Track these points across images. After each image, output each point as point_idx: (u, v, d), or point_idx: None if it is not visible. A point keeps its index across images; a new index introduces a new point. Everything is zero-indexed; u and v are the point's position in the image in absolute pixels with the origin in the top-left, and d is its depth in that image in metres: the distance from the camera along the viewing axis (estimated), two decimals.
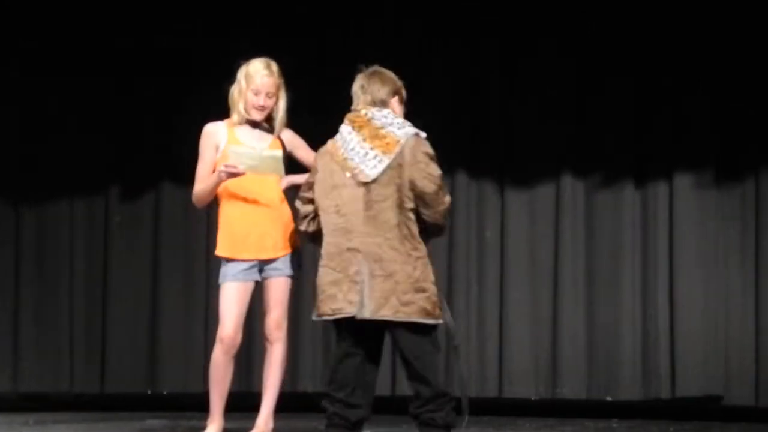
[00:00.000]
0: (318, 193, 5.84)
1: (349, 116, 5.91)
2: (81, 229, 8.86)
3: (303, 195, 5.92)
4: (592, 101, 8.33)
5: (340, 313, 5.72)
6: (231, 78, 6.65)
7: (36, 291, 8.88)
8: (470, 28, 8.49)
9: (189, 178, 8.13)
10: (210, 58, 8.58)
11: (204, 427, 6.43)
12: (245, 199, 6.41)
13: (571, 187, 8.34)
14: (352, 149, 5.80)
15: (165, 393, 8.64)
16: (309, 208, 5.90)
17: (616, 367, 8.23)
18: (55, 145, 8.85)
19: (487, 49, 8.47)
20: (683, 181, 8.18)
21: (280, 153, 6.44)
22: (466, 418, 5.93)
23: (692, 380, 8.12)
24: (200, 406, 7.41)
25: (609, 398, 8.21)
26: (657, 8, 8.28)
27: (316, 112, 8.20)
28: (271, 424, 6.45)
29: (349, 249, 5.77)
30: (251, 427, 6.43)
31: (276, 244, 6.42)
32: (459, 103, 8.30)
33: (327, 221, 5.79)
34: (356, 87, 5.98)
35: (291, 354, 7.13)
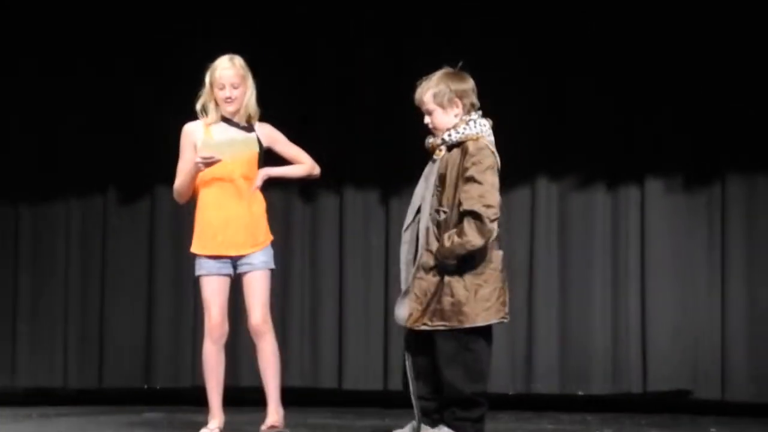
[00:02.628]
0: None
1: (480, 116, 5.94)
2: (78, 229, 8.86)
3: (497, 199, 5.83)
4: (566, 112, 8.38)
5: (506, 317, 5.95)
6: None
7: (33, 290, 8.87)
8: (453, 33, 8.44)
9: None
10: (203, 61, 8.15)
11: (201, 421, 6.52)
12: (216, 184, 6.41)
13: (546, 190, 8.41)
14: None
15: (158, 387, 8.69)
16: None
17: (588, 363, 8.29)
18: (53, 147, 8.83)
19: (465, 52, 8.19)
20: (654, 186, 8.27)
21: (252, 135, 6.43)
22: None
23: (662, 375, 8.18)
24: (192, 399, 7.67)
25: (581, 392, 8.27)
26: (628, 16, 8.28)
27: (314, 112, 8.25)
28: (281, 411, 6.49)
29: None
30: (262, 420, 6.44)
31: (246, 242, 6.41)
32: None
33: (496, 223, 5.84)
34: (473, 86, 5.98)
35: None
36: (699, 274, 8.26)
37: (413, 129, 6.27)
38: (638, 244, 8.28)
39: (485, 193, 5.77)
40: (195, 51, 8.25)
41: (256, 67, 7.50)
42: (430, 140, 6.00)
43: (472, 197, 5.77)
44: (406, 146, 7.69)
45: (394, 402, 7.35)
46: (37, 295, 8.84)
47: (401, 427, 6.02)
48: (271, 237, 6.52)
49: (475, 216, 5.74)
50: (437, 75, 5.99)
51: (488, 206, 5.75)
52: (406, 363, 5.95)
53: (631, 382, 8.23)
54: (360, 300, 8.60)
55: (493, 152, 5.88)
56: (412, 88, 6.08)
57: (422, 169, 6.11)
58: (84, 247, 8.84)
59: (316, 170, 6.67)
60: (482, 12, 8.46)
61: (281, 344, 6.80)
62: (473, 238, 5.74)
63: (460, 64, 6.00)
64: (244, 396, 7.25)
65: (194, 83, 7.96)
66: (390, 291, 8.26)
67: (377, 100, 8.60)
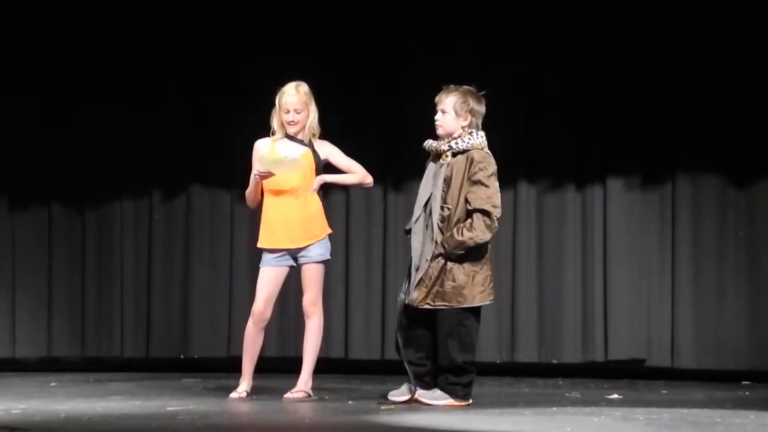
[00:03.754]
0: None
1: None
2: (129, 225, 9.21)
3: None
4: (543, 123, 8.78)
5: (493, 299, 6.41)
6: (250, 90, 7.13)
7: (96, 276, 9.22)
8: (453, 34, 8.68)
9: (214, 182, 9.00)
10: (233, 73, 8.79)
11: (232, 385, 6.95)
12: (277, 194, 6.77)
13: (526, 191, 8.83)
14: None
15: (196, 357, 9.01)
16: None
17: (561, 336, 8.68)
18: (105, 159, 9.21)
19: (459, 63, 8.47)
20: (615, 185, 8.69)
21: (299, 155, 6.71)
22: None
23: (621, 346, 8.58)
24: (225, 368, 8.10)
25: (555, 361, 8.65)
26: (597, 28, 8.59)
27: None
28: (309, 383, 6.83)
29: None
30: (288, 389, 6.79)
31: (302, 236, 6.76)
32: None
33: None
34: (484, 112, 6.30)
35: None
36: (652, 260, 8.62)
37: (412, 131, 6.79)
38: (602, 235, 8.68)
39: (492, 195, 6.21)
40: (196, 54, 8.88)
41: (255, 67, 7.91)
42: (433, 144, 6.32)
43: (481, 198, 6.16)
44: (404, 149, 8.33)
45: (391, 369, 7.77)
46: (100, 280, 9.22)
47: (398, 388, 6.51)
48: (328, 231, 6.87)
49: (485, 213, 6.15)
50: (464, 88, 6.35)
51: (495, 206, 6.20)
52: (397, 334, 6.41)
53: (595, 352, 8.63)
54: (362, 283, 8.92)
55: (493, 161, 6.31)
56: (413, 89, 6.55)
57: (417, 170, 6.53)
58: (135, 240, 9.23)
59: (368, 179, 6.94)
60: (481, 12, 8.70)
61: (297, 320, 7.04)
62: (482, 233, 6.16)
63: (483, 93, 6.36)
64: (268, 364, 7.65)
65: (221, 96, 8.64)
66: (387, 275, 8.80)
67: (377, 100, 8.79)
